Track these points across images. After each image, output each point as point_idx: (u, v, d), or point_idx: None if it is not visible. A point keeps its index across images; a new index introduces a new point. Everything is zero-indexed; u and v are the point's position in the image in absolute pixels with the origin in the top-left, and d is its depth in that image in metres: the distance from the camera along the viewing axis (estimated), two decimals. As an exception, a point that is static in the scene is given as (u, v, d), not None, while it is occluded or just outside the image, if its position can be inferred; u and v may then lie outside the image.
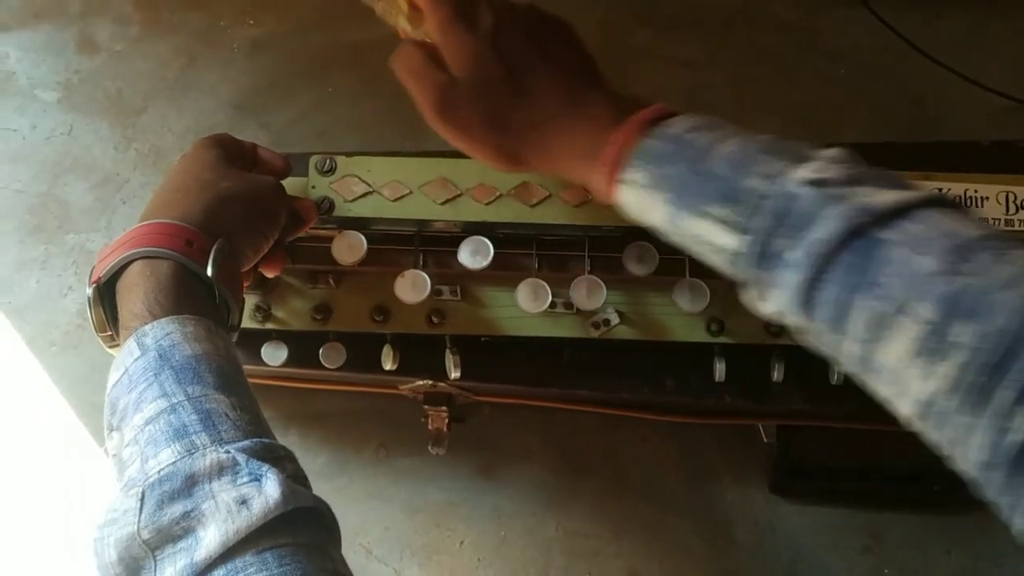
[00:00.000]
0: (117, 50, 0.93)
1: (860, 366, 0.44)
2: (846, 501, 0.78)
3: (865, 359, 0.43)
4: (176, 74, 0.92)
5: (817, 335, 0.45)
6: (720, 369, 0.68)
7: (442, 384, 0.71)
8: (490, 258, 0.66)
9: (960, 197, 0.67)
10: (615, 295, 0.67)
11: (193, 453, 0.45)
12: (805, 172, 0.45)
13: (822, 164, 0.45)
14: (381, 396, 0.79)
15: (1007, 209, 0.67)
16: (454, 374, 0.69)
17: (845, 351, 0.44)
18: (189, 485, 0.44)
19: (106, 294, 0.54)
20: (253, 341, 0.70)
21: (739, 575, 0.77)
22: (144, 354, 0.49)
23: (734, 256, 0.47)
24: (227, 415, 0.48)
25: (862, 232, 0.42)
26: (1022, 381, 0.36)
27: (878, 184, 0.44)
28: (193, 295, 0.53)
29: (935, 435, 0.41)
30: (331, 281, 0.69)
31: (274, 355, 0.70)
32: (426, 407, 0.74)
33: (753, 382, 0.70)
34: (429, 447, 0.75)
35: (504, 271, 0.67)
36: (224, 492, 0.44)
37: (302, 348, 0.70)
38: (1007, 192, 0.67)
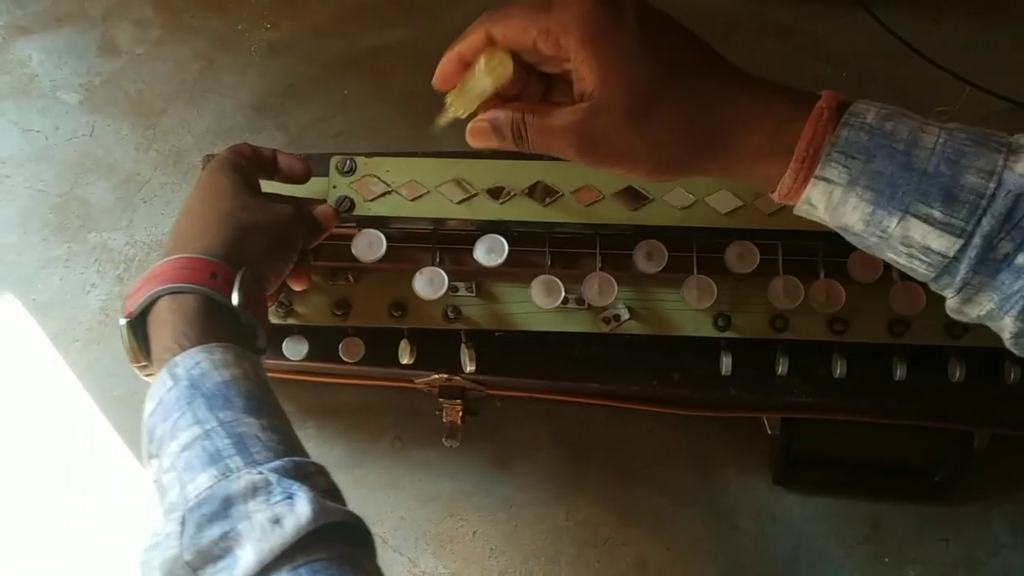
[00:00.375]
0: (138, 53, 0.96)
1: None
2: (847, 491, 0.81)
3: None
4: (195, 77, 0.94)
5: None
6: (726, 363, 0.71)
7: (457, 378, 0.74)
8: (504, 255, 0.68)
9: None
10: (625, 291, 0.70)
11: (228, 476, 0.47)
12: None
13: None
14: (396, 390, 0.81)
15: (1003, 209, 0.69)
16: (469, 368, 0.72)
17: None
18: (226, 507, 0.46)
19: (138, 327, 0.56)
20: (275, 336, 0.72)
21: (743, 561, 0.79)
22: (176, 384, 0.51)
23: (945, 259, 0.44)
24: (258, 437, 0.50)
25: None
26: None
27: None
28: (220, 324, 0.55)
29: None
30: (351, 278, 0.72)
31: (295, 349, 0.72)
32: (441, 400, 0.77)
33: (758, 376, 0.72)
34: (443, 439, 0.78)
35: (518, 268, 0.69)
36: (259, 512, 0.46)
37: (322, 343, 0.73)
38: (1003, 193, 0.69)
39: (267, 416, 0.52)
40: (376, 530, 0.79)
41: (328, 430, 0.83)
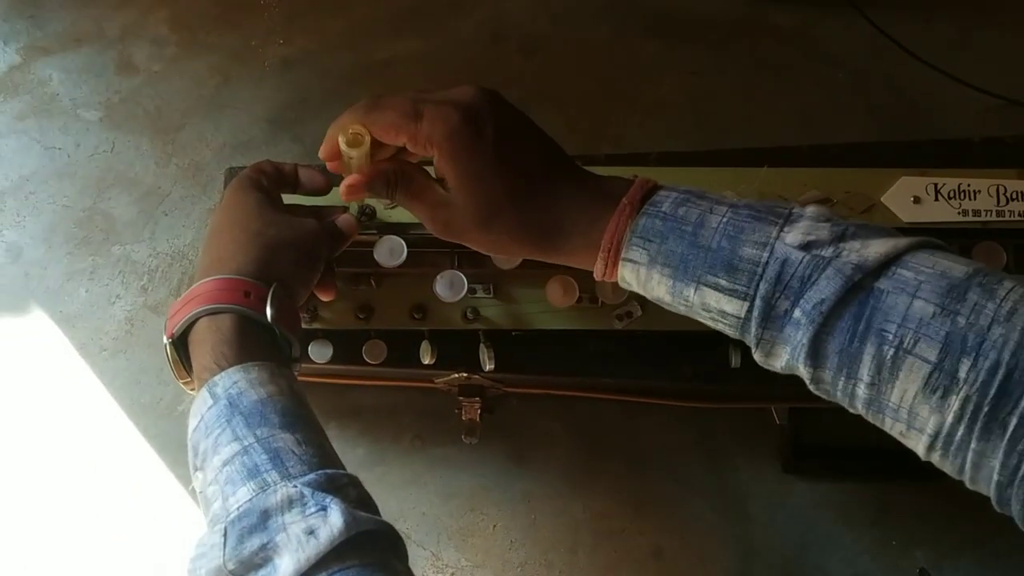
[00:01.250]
0: (155, 70, 0.98)
1: (873, 407, 0.47)
2: (855, 476, 0.84)
3: (876, 400, 0.47)
4: (212, 92, 0.97)
5: (828, 383, 0.49)
6: (736, 356, 0.73)
7: (476, 376, 0.76)
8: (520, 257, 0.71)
9: (954, 191, 0.72)
10: (637, 289, 0.72)
11: (266, 490, 0.51)
12: (795, 236, 0.48)
13: (808, 224, 0.49)
14: (415, 391, 0.84)
15: (998, 201, 0.72)
16: (488, 366, 0.74)
17: (858, 394, 0.47)
18: (264, 519, 0.50)
19: (180, 346, 0.60)
20: (301, 340, 0.75)
21: (755, 547, 0.82)
22: (216, 403, 0.55)
23: (739, 320, 0.50)
24: (293, 451, 0.53)
25: (861, 285, 0.46)
26: (1022, 407, 0.41)
27: (864, 236, 0.48)
28: (255, 341, 0.59)
29: (951, 463, 0.45)
30: (372, 282, 0.74)
31: (320, 352, 0.75)
32: (460, 399, 0.79)
33: (766, 368, 0.74)
34: (462, 437, 0.80)
35: (534, 269, 0.72)
36: (295, 524, 0.49)
37: (346, 346, 0.75)
38: (998, 185, 0.72)
39: (302, 430, 0.55)
40: (399, 526, 0.82)
41: (350, 430, 0.86)
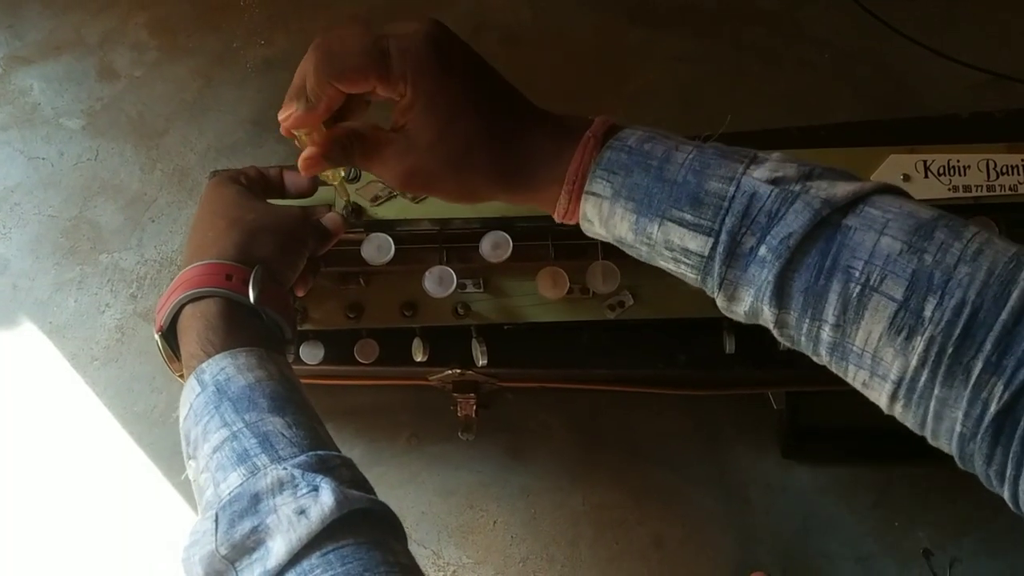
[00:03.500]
0: (136, 76, 0.98)
1: (837, 352, 0.46)
2: (855, 460, 0.83)
3: (841, 344, 0.45)
4: (194, 95, 0.96)
5: (793, 327, 0.48)
6: (730, 342, 0.73)
7: (470, 372, 0.76)
8: (509, 250, 0.70)
9: (943, 167, 0.71)
10: (628, 277, 0.72)
11: (256, 474, 0.50)
12: (763, 172, 0.47)
13: (775, 163, 0.47)
14: (410, 389, 0.83)
15: (988, 175, 0.71)
16: (481, 361, 0.74)
17: (823, 338, 0.46)
18: (255, 503, 0.49)
19: (170, 338, 0.59)
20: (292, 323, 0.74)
21: (756, 533, 0.82)
22: (204, 390, 0.55)
23: (702, 259, 0.48)
24: (283, 434, 0.53)
25: (828, 221, 0.45)
26: (987, 351, 0.40)
27: (831, 177, 0.47)
28: (241, 325, 0.58)
29: (913, 414, 0.44)
30: (362, 281, 0.74)
31: (312, 354, 0.74)
32: (455, 395, 0.79)
33: (761, 352, 0.74)
34: (459, 433, 0.80)
35: (523, 262, 0.71)
36: (285, 505, 0.49)
37: (337, 346, 0.75)
38: (987, 159, 0.71)
39: (292, 413, 0.54)
40: (399, 526, 0.82)
41: (345, 431, 0.86)
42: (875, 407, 0.80)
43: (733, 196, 0.47)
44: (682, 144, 0.50)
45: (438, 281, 0.70)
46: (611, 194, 0.50)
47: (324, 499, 0.48)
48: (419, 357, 0.74)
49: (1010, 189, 0.70)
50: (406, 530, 0.81)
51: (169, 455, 0.85)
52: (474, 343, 0.74)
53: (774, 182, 0.46)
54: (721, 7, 0.99)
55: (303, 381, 0.79)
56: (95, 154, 0.95)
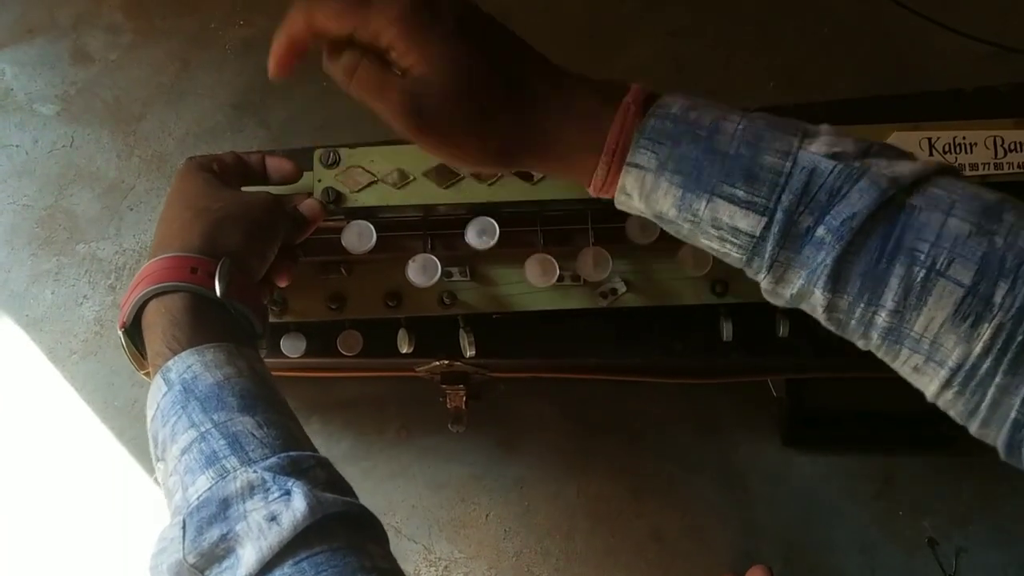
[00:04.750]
0: (112, 59, 0.94)
1: (891, 337, 0.44)
2: (857, 448, 0.81)
3: (897, 329, 0.43)
4: (172, 79, 0.93)
5: (844, 311, 0.45)
6: (727, 329, 0.70)
7: (458, 363, 0.73)
8: (496, 237, 0.67)
9: (949, 145, 0.68)
10: (621, 264, 0.69)
11: (225, 477, 0.48)
12: (821, 146, 0.44)
13: (832, 138, 0.45)
14: (399, 380, 0.81)
15: (995, 153, 0.68)
16: (469, 352, 0.71)
17: (877, 323, 0.44)
18: (223, 508, 0.47)
19: (135, 334, 0.57)
20: (272, 334, 0.72)
21: (757, 523, 0.79)
22: (170, 389, 0.52)
23: (752, 240, 0.45)
24: (253, 434, 0.50)
25: (894, 200, 0.42)
26: None
27: (889, 155, 0.44)
28: (208, 320, 0.55)
29: (966, 401, 0.42)
30: (343, 271, 0.71)
31: (293, 347, 0.72)
32: (444, 387, 0.76)
33: (760, 339, 0.71)
34: (449, 425, 0.77)
35: (511, 248, 0.69)
36: (256, 511, 0.46)
37: (320, 338, 0.72)
38: (994, 136, 0.69)
39: (263, 412, 0.52)
40: (389, 520, 0.80)
41: (333, 424, 0.83)
42: (876, 394, 0.78)
43: (791, 172, 0.44)
44: (730, 113, 0.47)
45: (422, 270, 0.68)
46: (656, 166, 0.47)
47: (296, 504, 0.46)
48: (405, 348, 0.71)
49: (1019, 167, 0.67)
50: (396, 525, 0.80)
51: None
52: (461, 333, 0.71)
53: (834, 157, 0.44)
54: (716, -21, 0.95)
55: (286, 374, 0.78)
56: (70, 141, 0.92)
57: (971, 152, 0.68)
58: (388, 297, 0.70)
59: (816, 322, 0.71)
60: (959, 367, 0.41)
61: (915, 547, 0.78)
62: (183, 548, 0.46)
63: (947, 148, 0.68)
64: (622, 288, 0.70)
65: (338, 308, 0.71)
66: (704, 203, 0.46)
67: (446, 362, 0.73)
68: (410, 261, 0.68)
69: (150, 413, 0.53)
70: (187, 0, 0.96)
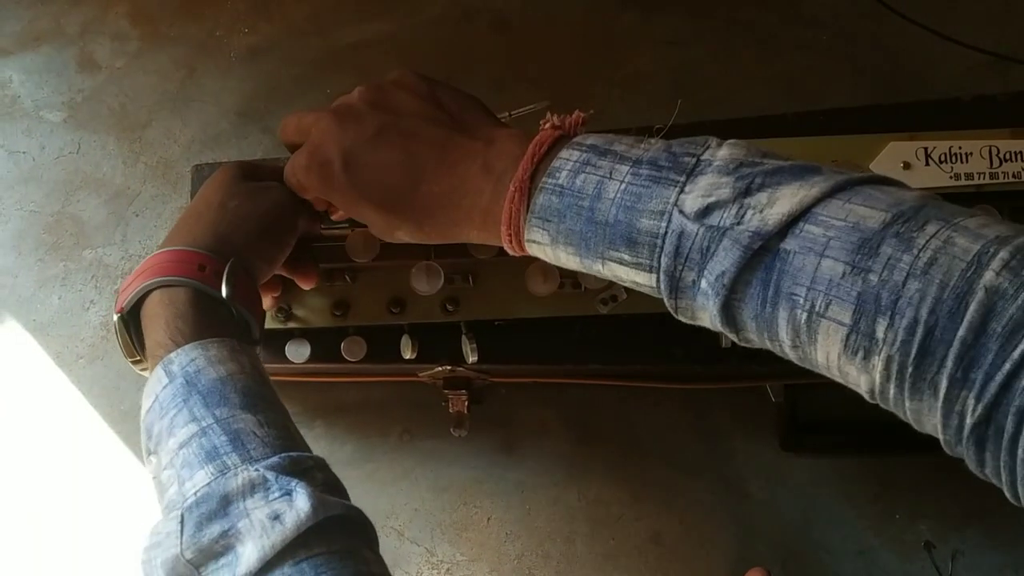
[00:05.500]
0: (118, 67, 0.95)
1: (806, 363, 0.45)
2: (855, 452, 0.82)
3: (805, 358, 0.44)
4: (177, 86, 0.94)
5: (756, 343, 0.47)
6: (726, 336, 0.71)
7: (460, 368, 0.74)
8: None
9: (944, 155, 0.69)
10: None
11: (225, 473, 0.48)
12: (694, 200, 0.45)
13: (711, 180, 0.45)
14: (402, 384, 0.82)
15: (991, 163, 0.69)
16: (471, 358, 0.72)
17: (787, 353, 0.45)
18: (224, 505, 0.47)
19: (131, 322, 0.57)
20: (276, 340, 0.73)
21: (756, 528, 0.80)
22: (172, 381, 0.52)
23: (653, 289, 0.48)
24: (255, 433, 0.51)
25: (766, 248, 0.43)
26: (950, 367, 0.38)
27: (773, 186, 0.44)
28: (212, 318, 0.56)
29: (897, 413, 0.42)
30: (347, 278, 0.72)
31: (298, 352, 0.73)
32: (446, 391, 0.77)
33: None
34: (451, 429, 0.78)
35: (512, 257, 0.69)
36: (258, 509, 0.47)
37: (324, 344, 0.73)
38: (990, 146, 0.69)
39: (264, 411, 0.52)
40: (391, 523, 0.81)
41: (337, 428, 0.84)
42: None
43: (665, 234, 0.45)
44: (618, 165, 0.48)
45: (425, 277, 0.69)
46: (549, 241, 0.50)
47: (299, 504, 0.47)
48: (408, 354, 0.72)
49: (1014, 176, 0.68)
50: (398, 528, 0.81)
51: (156, 455, 0.83)
52: (464, 339, 0.72)
53: (705, 211, 0.44)
54: (716, -12, 0.96)
55: (291, 379, 0.79)
56: (77, 147, 0.93)
57: (967, 162, 0.69)
58: (392, 304, 0.71)
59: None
60: (871, 391, 0.42)
61: (912, 550, 0.79)
62: (180, 543, 0.46)
63: (943, 158, 0.69)
64: (623, 295, 0.71)
65: (342, 314, 0.72)
66: (600, 265, 0.49)
67: (449, 367, 0.74)
68: (414, 269, 0.69)
69: (146, 404, 0.53)
70: (193, 8, 0.97)
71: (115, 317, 0.57)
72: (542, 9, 0.96)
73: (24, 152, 0.93)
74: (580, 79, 0.93)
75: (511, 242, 0.52)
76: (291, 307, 0.72)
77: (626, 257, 0.47)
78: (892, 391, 0.41)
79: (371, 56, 0.94)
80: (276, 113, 0.93)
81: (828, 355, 0.42)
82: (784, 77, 0.92)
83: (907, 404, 0.40)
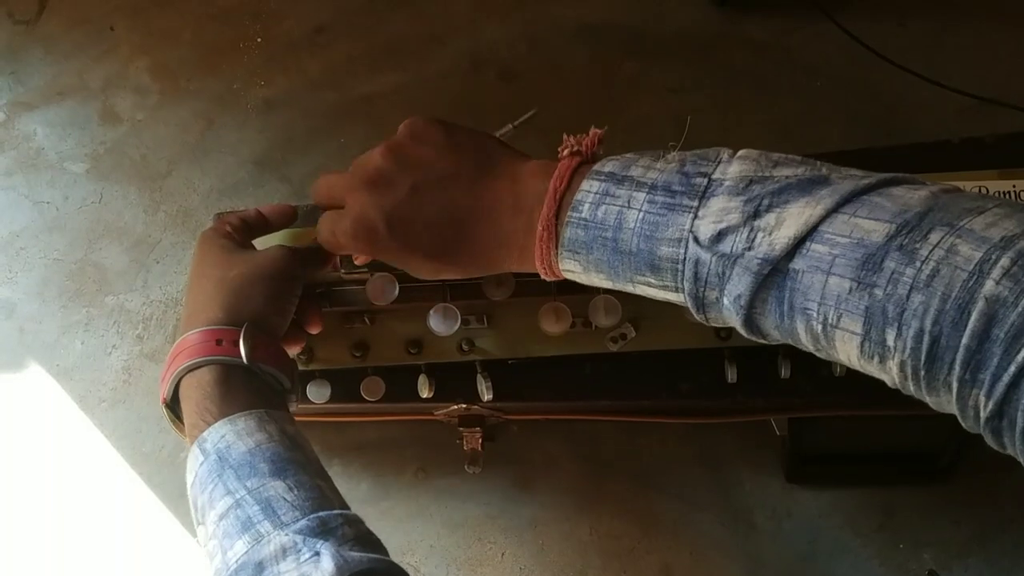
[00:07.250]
0: (139, 119, 0.99)
1: (832, 360, 0.48)
2: (859, 483, 0.84)
3: (831, 358, 0.47)
4: (196, 137, 0.98)
5: (787, 342, 0.49)
6: (731, 371, 0.74)
7: (475, 406, 0.77)
8: (512, 287, 0.71)
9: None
10: (630, 310, 0.73)
11: (260, 541, 0.52)
12: (707, 226, 0.47)
13: (722, 204, 0.47)
14: (416, 423, 0.84)
15: (980, 202, 0.72)
16: (487, 396, 0.75)
17: (815, 352, 0.48)
18: (259, 571, 0.51)
19: (175, 406, 0.62)
20: (299, 381, 0.75)
21: (763, 559, 0.82)
22: (207, 458, 0.57)
23: (683, 304, 0.51)
24: (284, 498, 0.55)
25: (777, 269, 0.46)
26: (958, 371, 0.40)
27: (780, 205, 0.46)
28: (237, 389, 0.60)
29: (921, 400, 0.45)
30: (367, 320, 0.75)
31: (319, 393, 0.75)
32: (461, 429, 0.80)
33: (763, 380, 0.75)
34: (465, 466, 0.80)
35: (526, 297, 0.72)
36: (288, 573, 0.51)
37: (344, 384, 0.75)
38: (980, 186, 0.72)
39: (294, 475, 0.56)
40: (407, 559, 0.83)
41: (353, 466, 0.86)
42: (877, 430, 0.81)
43: (684, 260, 0.48)
44: (635, 194, 0.50)
45: (442, 319, 0.71)
46: (582, 269, 0.53)
47: (324, 565, 0.50)
48: (425, 393, 0.75)
49: (1002, 215, 0.71)
50: (414, 564, 0.83)
51: (179, 495, 0.85)
52: (479, 378, 0.75)
53: (717, 237, 0.47)
54: (712, 37, 1.00)
55: (311, 419, 0.81)
56: (99, 197, 0.96)
57: (957, 202, 0.72)
58: (409, 345, 0.74)
59: (816, 363, 0.74)
60: (893, 385, 0.45)
61: (916, 579, 0.81)
62: None
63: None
64: (631, 333, 0.73)
65: (361, 356, 0.74)
66: (632, 287, 0.52)
67: (464, 406, 0.76)
68: (431, 311, 0.71)
69: (189, 479, 0.58)
70: (210, 62, 1.00)
71: (162, 407, 0.63)
72: (547, 60, 0.99)
73: (48, 202, 0.96)
74: (584, 125, 0.96)
75: (547, 272, 0.55)
76: (313, 349, 0.75)
77: (653, 281, 0.50)
78: (911, 387, 0.44)
79: (383, 107, 0.97)
80: (292, 163, 0.96)
81: (849, 357, 0.46)
82: (780, 122, 0.96)
83: (927, 397, 0.43)
